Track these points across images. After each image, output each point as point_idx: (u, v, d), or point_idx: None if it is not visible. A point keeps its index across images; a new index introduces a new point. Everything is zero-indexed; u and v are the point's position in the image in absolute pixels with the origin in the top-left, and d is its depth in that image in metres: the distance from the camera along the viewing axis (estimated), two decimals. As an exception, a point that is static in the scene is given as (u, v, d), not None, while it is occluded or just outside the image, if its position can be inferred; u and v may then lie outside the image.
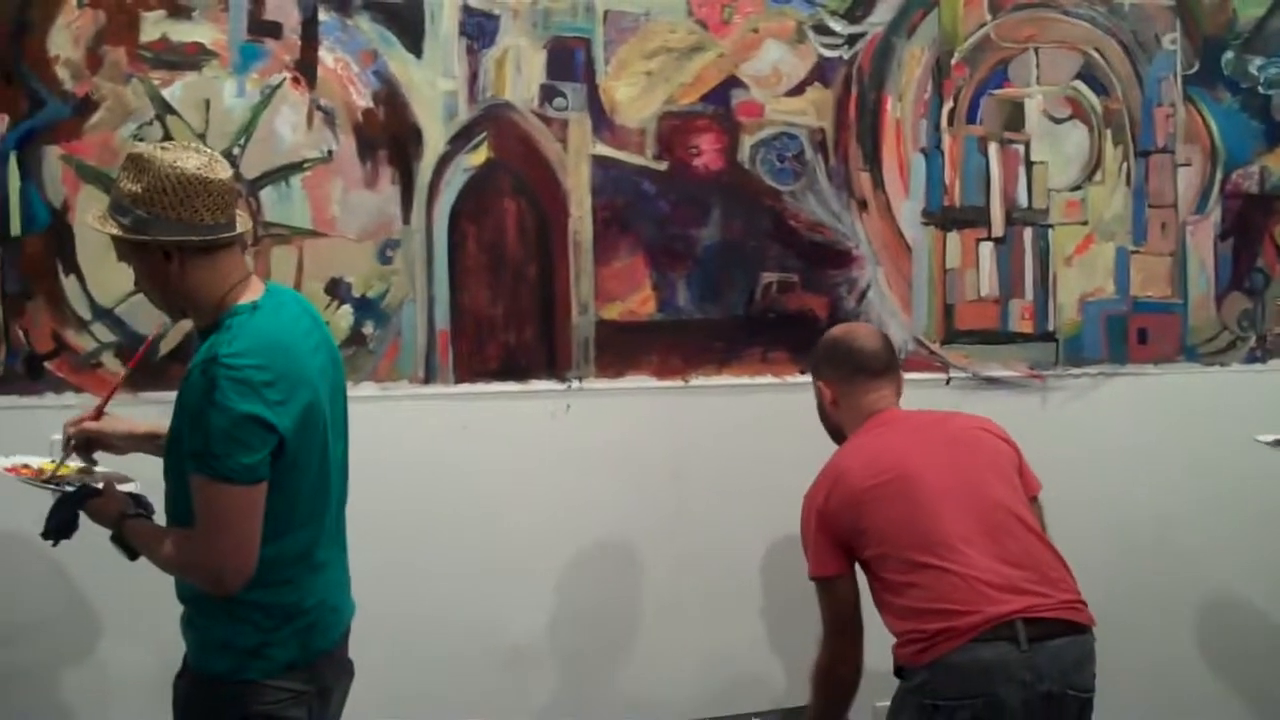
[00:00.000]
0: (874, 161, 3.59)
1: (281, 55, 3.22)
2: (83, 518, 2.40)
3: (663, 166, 3.45)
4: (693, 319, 3.49)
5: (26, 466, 2.59)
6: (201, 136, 3.16)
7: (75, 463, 2.56)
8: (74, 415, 2.59)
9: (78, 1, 3.09)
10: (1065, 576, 2.71)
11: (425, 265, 3.32)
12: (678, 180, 3.46)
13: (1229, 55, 3.79)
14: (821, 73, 3.55)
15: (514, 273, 3.38)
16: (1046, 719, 2.58)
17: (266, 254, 3.21)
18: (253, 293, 2.32)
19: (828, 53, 3.55)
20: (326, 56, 3.25)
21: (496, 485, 3.34)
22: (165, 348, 3.11)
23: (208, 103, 3.18)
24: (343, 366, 2.50)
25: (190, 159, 2.25)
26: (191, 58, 3.17)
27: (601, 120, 3.41)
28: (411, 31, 3.30)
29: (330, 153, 3.26)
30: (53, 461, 2.60)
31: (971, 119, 3.65)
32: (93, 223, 2.33)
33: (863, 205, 3.58)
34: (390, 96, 3.29)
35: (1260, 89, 3.81)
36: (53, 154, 3.11)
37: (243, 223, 2.35)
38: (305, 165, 3.24)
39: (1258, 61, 3.80)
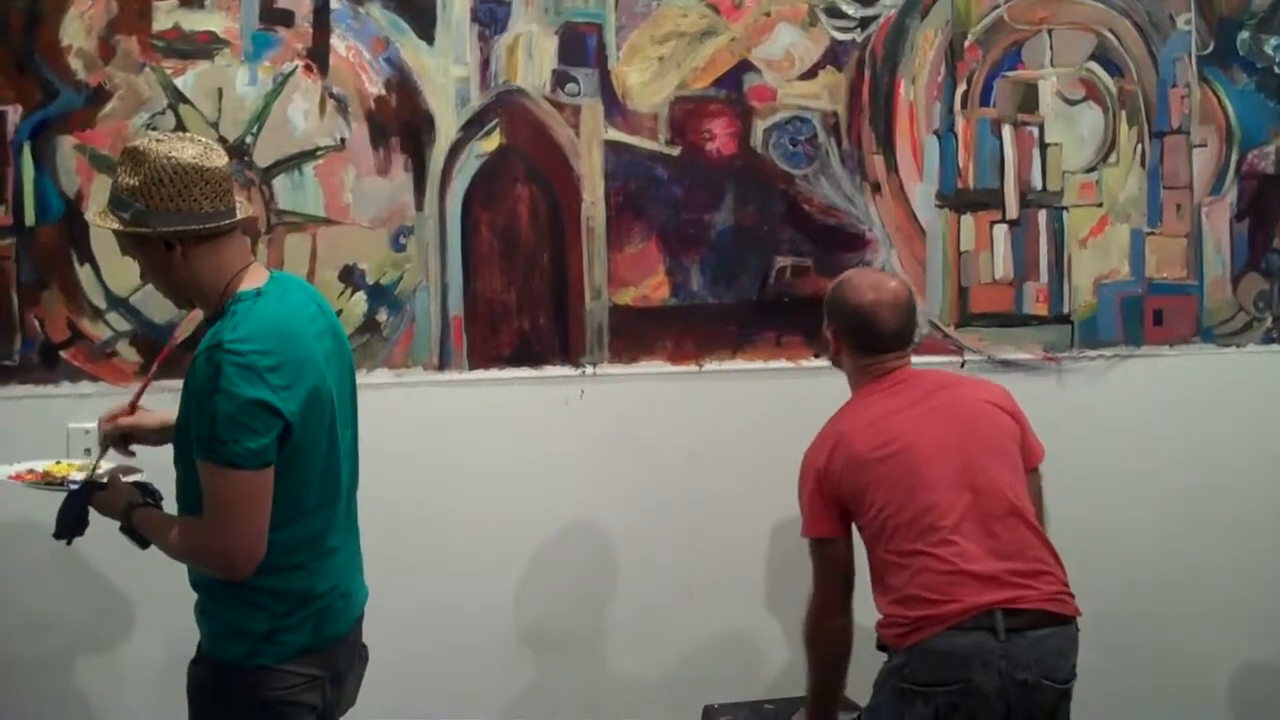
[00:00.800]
0: (887, 145, 3.58)
1: (293, 43, 3.23)
2: (93, 513, 2.41)
3: (675, 151, 3.45)
4: (706, 304, 3.48)
5: (31, 471, 2.61)
6: (214, 125, 3.17)
7: (109, 461, 2.57)
8: (108, 410, 2.57)
9: (90, -9, 3.10)
10: (1054, 569, 2.72)
11: (439, 252, 3.32)
12: (690, 165, 3.46)
13: (1244, 35, 3.76)
14: (834, 56, 3.53)
15: (527, 259, 3.38)
16: (1022, 707, 2.60)
17: (280, 242, 3.22)
18: (257, 279, 2.32)
19: (840, 36, 3.54)
20: (338, 44, 3.25)
21: (511, 471, 3.35)
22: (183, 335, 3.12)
23: (220, 91, 3.19)
24: (350, 353, 2.49)
25: (186, 149, 2.24)
26: (204, 46, 3.18)
27: (614, 105, 3.41)
28: (423, 18, 3.30)
29: (343, 140, 3.26)
30: (65, 463, 2.63)
31: (985, 101, 3.63)
32: (93, 219, 2.33)
33: (876, 188, 3.57)
34: (402, 83, 3.29)
35: (1276, 69, 3.78)
36: (66, 144, 3.12)
37: (243, 209, 2.34)
38: (318, 153, 3.25)
39: (1273, 41, 3.77)
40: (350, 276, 3.27)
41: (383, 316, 3.30)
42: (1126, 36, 3.70)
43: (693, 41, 3.45)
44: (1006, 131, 3.64)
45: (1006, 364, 3.63)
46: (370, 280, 3.29)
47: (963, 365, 3.59)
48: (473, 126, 3.34)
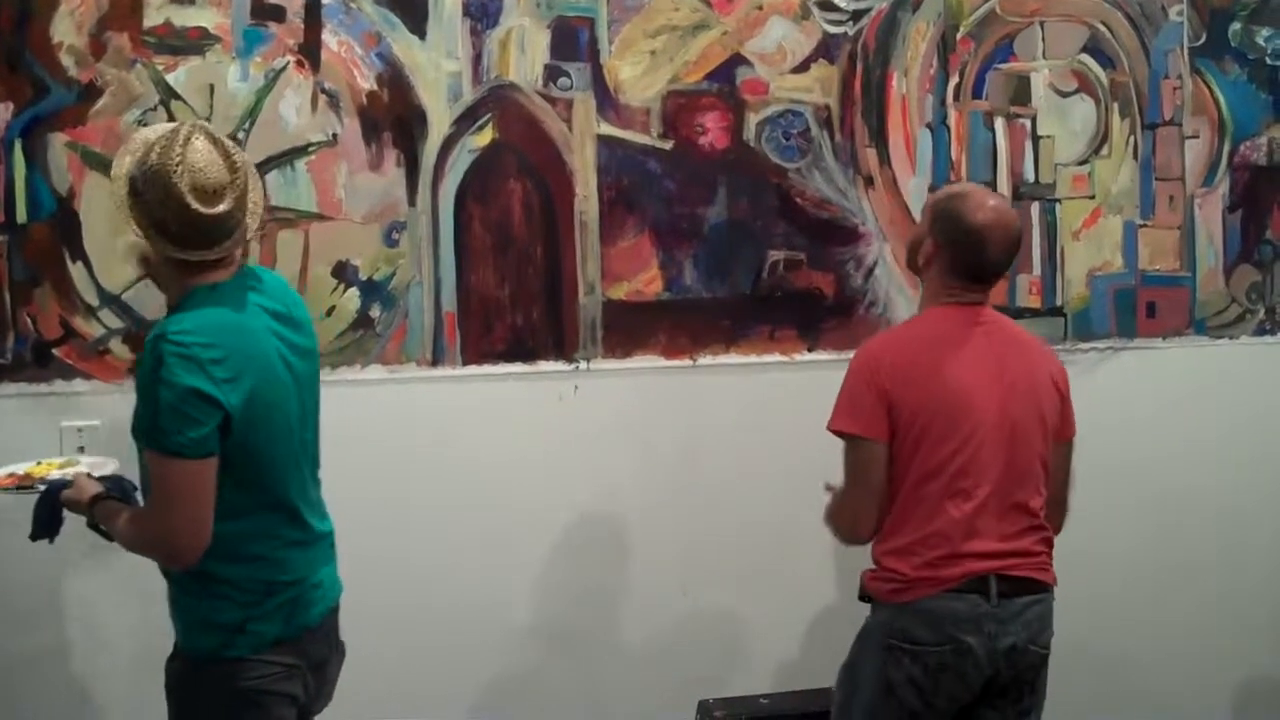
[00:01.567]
0: (880, 138, 3.57)
1: (285, 39, 3.22)
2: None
3: (668, 145, 3.45)
4: (700, 298, 3.48)
5: (11, 475, 2.63)
6: (206, 121, 3.16)
7: (90, 457, 2.59)
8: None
9: (80, -13, 3.09)
10: (1046, 548, 2.74)
11: (431, 247, 3.32)
12: (683, 159, 3.45)
13: (1236, 26, 3.77)
14: (826, 49, 3.53)
15: (520, 254, 3.38)
16: (1010, 669, 2.64)
17: (272, 238, 3.21)
18: (222, 275, 2.33)
19: (832, 29, 3.53)
20: (330, 39, 3.24)
21: (505, 467, 3.35)
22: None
23: (212, 87, 3.18)
24: (315, 346, 2.49)
25: (198, 177, 2.23)
26: (195, 42, 3.17)
27: (606, 100, 3.40)
28: (415, 13, 3.29)
29: (335, 136, 3.26)
30: (46, 463, 2.67)
31: (977, 94, 3.63)
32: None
33: (869, 181, 3.57)
34: (394, 79, 3.28)
35: (1268, 60, 3.79)
36: (58, 141, 3.11)
37: (222, 249, 2.31)
38: (310, 149, 3.24)
39: (1265, 32, 3.78)
40: (343, 272, 3.27)
41: (376, 312, 3.29)
42: (1118, 28, 3.70)
43: (685, 35, 3.45)
44: (999, 124, 3.65)
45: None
46: (363, 276, 3.28)
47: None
48: (465, 121, 3.33)
